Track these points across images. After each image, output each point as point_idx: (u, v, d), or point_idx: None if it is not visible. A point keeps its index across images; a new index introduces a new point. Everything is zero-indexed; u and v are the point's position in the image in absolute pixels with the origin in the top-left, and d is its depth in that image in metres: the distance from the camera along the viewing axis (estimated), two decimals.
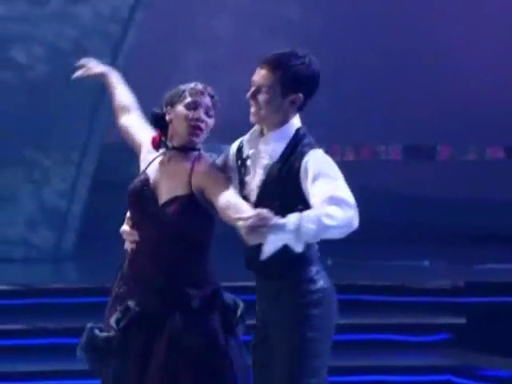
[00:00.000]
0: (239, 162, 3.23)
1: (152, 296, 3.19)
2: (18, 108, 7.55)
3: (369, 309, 6.36)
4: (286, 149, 3.13)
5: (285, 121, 3.15)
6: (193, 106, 3.21)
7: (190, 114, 3.21)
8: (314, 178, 3.04)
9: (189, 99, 3.22)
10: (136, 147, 3.42)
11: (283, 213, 2.98)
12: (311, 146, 3.14)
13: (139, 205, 3.26)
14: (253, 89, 3.14)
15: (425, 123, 9.22)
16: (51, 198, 7.80)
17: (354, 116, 9.18)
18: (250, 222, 2.91)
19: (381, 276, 6.97)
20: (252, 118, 3.18)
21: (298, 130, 3.17)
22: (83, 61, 3.66)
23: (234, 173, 3.26)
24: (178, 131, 3.24)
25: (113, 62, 7.20)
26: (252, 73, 3.20)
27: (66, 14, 7.66)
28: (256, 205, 3.07)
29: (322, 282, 3.12)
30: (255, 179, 3.16)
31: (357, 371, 5.92)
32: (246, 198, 3.15)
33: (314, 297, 3.10)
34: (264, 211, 2.94)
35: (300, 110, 3.19)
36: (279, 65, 3.09)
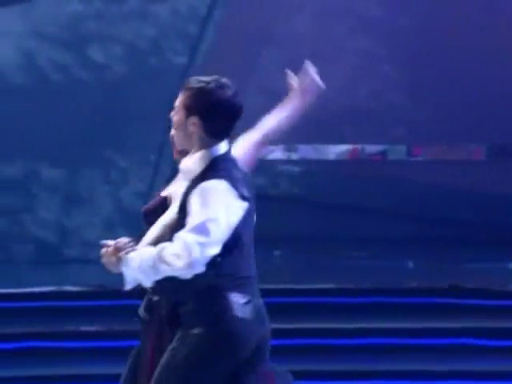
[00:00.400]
0: None
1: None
2: (95, 108, 7.57)
3: (448, 312, 6.18)
4: (192, 180, 3.01)
5: (199, 149, 3.04)
6: None
7: None
8: (191, 207, 2.94)
9: None
10: None
11: None
12: (213, 176, 2.96)
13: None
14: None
15: (509, 122, 8.99)
16: (128, 199, 7.80)
17: (434, 115, 9.04)
18: (107, 250, 3.00)
19: (463, 278, 6.76)
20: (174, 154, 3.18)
21: (213, 159, 3.02)
22: None
23: None
24: None
25: (191, 62, 7.14)
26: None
27: (144, 13, 7.65)
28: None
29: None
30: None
31: (434, 376, 5.77)
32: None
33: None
34: (123, 241, 2.97)
35: (218, 136, 3.04)
36: (187, 87, 3.07)
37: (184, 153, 3.09)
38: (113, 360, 5.79)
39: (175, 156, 3.17)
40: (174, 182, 3.19)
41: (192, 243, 2.88)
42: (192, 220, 2.91)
